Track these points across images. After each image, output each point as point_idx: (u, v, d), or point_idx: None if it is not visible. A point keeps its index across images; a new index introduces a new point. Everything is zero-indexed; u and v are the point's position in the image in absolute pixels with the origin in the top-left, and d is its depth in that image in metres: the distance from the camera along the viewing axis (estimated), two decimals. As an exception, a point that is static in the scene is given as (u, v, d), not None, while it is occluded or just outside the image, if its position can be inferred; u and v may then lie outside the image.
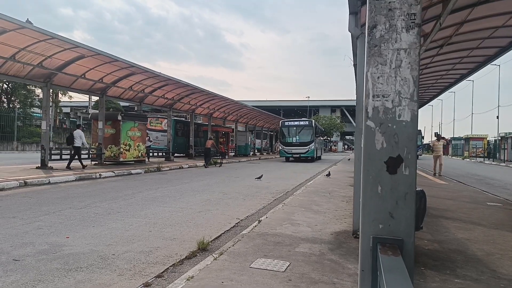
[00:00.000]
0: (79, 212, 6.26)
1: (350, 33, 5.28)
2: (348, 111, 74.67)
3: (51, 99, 29.46)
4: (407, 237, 1.72)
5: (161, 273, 3.53)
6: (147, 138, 19.00)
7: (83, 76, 14.00)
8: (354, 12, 4.82)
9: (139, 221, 5.71)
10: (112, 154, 16.04)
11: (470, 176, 16.73)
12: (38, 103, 36.77)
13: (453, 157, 46.19)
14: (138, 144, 17.21)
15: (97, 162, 15.74)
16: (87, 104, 48.97)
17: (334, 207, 7.04)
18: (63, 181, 10.43)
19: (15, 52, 11.03)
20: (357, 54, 5.53)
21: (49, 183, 9.98)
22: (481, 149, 44.16)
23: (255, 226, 5.26)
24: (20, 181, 9.33)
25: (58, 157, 14.70)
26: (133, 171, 13.67)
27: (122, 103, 41.86)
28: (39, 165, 12.99)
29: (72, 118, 52.76)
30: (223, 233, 5.16)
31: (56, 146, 26.59)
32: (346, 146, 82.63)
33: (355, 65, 6.85)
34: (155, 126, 25.82)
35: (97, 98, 18.13)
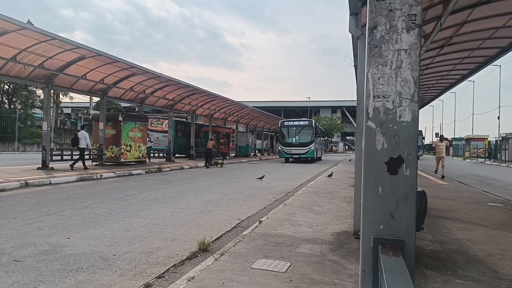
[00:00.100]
0: (80, 212, 6.27)
1: (350, 34, 5.28)
2: (349, 111, 74.60)
3: (52, 100, 29.52)
4: (408, 237, 1.72)
5: (162, 273, 3.53)
6: (148, 139, 19.01)
7: (84, 77, 14.02)
8: (355, 12, 4.82)
9: (140, 221, 5.71)
10: (113, 155, 16.06)
11: (471, 177, 16.71)
12: (39, 104, 36.91)
13: (454, 158, 46.13)
14: (139, 145, 17.23)
15: (98, 163, 15.75)
16: (88, 105, 49.07)
17: (335, 207, 7.03)
18: (64, 182, 10.44)
19: (16, 53, 11.05)
20: (357, 54, 5.53)
21: (50, 183, 9.99)
22: (482, 149, 44.12)
23: (256, 226, 5.26)
24: (21, 181, 9.34)
25: (59, 158, 14.74)
26: (134, 172, 13.68)
27: (123, 104, 41.94)
28: (40, 166, 13.02)
29: (73, 119, 52.87)
30: (224, 234, 5.16)
31: (57, 147, 26.64)
32: (346, 147, 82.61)
33: (355, 66, 6.85)
34: (156, 126, 25.85)
35: (98, 99, 18.14)
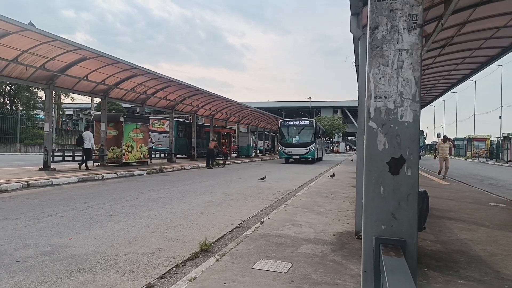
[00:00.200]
0: (81, 213, 6.28)
1: (351, 34, 5.28)
2: (350, 112, 74.58)
3: (53, 101, 29.60)
4: (410, 238, 1.72)
5: (164, 274, 3.54)
6: (149, 140, 19.04)
7: (85, 78, 14.05)
8: (356, 13, 4.82)
9: (142, 222, 5.72)
10: (115, 156, 16.09)
11: (472, 177, 16.67)
12: (41, 105, 36.97)
13: (456, 158, 46.02)
14: (141, 146, 17.24)
15: (99, 164, 15.79)
16: (89, 106, 49.15)
17: (337, 208, 7.02)
18: (65, 183, 10.46)
19: (18, 54, 11.09)
20: (359, 55, 5.52)
21: (51, 184, 10.02)
22: (483, 149, 44.04)
23: (258, 227, 5.26)
24: (23, 182, 9.36)
25: (60, 158, 14.76)
26: (135, 173, 13.69)
27: (125, 105, 42.02)
28: (42, 167, 13.05)
29: (74, 119, 52.95)
30: (225, 234, 5.16)
31: (59, 148, 26.69)
32: (348, 147, 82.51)
33: (357, 66, 6.84)
34: (157, 127, 25.89)
35: (100, 99, 18.18)
